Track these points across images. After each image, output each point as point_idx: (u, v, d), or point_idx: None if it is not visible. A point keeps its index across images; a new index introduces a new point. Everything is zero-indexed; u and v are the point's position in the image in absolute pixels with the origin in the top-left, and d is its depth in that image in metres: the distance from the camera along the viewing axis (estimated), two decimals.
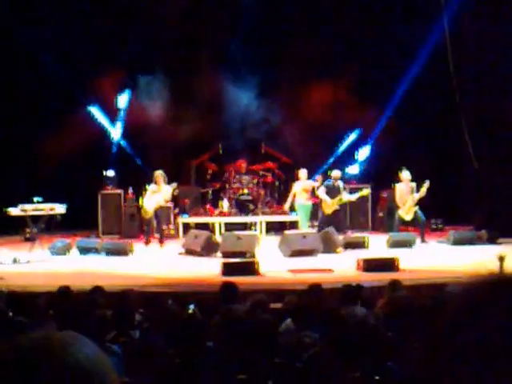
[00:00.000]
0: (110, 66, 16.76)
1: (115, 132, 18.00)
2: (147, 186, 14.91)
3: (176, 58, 17.46)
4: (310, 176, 15.55)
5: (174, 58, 17.49)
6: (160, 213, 14.98)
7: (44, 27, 16.85)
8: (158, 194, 14.69)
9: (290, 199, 15.22)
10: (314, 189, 15.21)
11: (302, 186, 15.04)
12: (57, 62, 17.00)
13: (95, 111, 17.74)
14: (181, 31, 17.27)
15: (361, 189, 15.73)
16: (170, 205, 16.47)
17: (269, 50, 17.54)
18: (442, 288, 7.60)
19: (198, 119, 17.21)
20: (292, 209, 15.68)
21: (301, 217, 15.16)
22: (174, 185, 15.03)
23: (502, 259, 9.01)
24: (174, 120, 17.39)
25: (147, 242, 14.86)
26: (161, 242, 14.90)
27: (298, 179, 15.25)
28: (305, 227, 15.02)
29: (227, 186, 17.21)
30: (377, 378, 4.16)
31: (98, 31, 17.07)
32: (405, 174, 14.54)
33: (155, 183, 14.73)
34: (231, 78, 17.40)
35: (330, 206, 14.87)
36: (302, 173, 15.17)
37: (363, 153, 17.66)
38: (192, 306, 6.24)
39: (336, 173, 15.17)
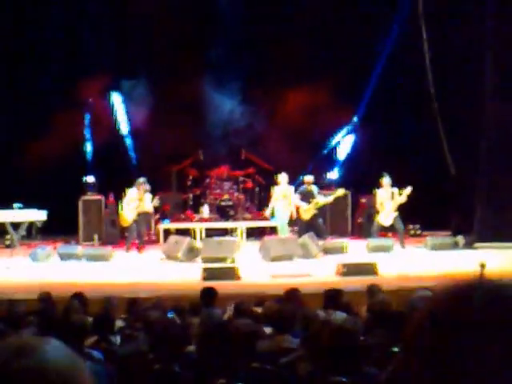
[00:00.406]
0: (94, 69, 16.70)
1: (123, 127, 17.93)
2: (127, 191, 14.83)
3: (158, 63, 17.46)
4: (292, 182, 15.57)
5: (156, 63, 17.49)
6: (140, 219, 14.90)
7: (28, 27, 16.78)
8: (138, 202, 14.61)
9: (270, 205, 15.20)
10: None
11: (282, 191, 14.97)
12: (38, 65, 16.93)
13: (78, 115, 17.55)
14: (164, 36, 17.26)
15: (336, 190, 15.65)
16: (151, 211, 16.45)
17: (250, 56, 17.59)
18: (418, 292, 7.66)
19: (180, 125, 17.21)
20: (273, 214, 15.67)
21: (280, 223, 15.12)
22: (156, 201, 14.98)
23: (482, 266, 9.10)
24: (156, 125, 17.39)
25: (128, 248, 14.80)
26: (140, 248, 14.85)
27: (277, 184, 15.25)
28: (285, 233, 15.01)
29: (208, 191, 17.22)
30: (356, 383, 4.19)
31: (81, 34, 17.02)
32: (385, 180, 14.62)
33: (137, 191, 14.66)
34: (213, 84, 17.43)
35: (306, 211, 14.92)
36: (282, 178, 15.05)
37: (343, 149, 17.67)
38: (171, 314, 6.25)
39: (308, 178, 15.24)
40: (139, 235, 14.89)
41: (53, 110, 16.81)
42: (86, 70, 16.84)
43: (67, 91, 16.85)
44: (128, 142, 18.19)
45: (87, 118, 17.77)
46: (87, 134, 17.97)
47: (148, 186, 14.84)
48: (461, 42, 14.55)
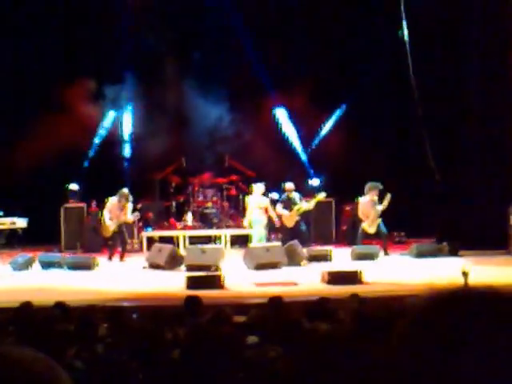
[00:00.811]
0: (77, 74, 16.61)
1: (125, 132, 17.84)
2: (108, 199, 14.75)
3: (142, 68, 17.41)
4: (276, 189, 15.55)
5: (140, 68, 17.42)
6: (123, 227, 14.80)
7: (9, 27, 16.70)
8: (119, 212, 14.53)
9: (247, 215, 15.08)
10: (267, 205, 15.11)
11: (256, 202, 14.74)
12: (21, 69, 16.82)
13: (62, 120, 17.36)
14: (148, 41, 17.25)
15: (316, 195, 15.57)
16: (131, 221, 16.38)
17: (233, 61, 17.61)
18: (403, 300, 7.67)
19: (162, 131, 17.18)
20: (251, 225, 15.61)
21: (257, 232, 14.89)
22: (137, 214, 14.95)
23: (465, 274, 9.12)
24: (138, 132, 17.35)
25: (111, 257, 14.72)
26: (122, 256, 14.76)
27: (251, 194, 15.08)
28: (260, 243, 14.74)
29: (191, 199, 17.20)
30: None
31: (65, 39, 16.94)
32: (367, 187, 14.67)
33: (118, 201, 14.59)
34: (196, 90, 17.38)
35: (289, 218, 14.92)
36: (256, 188, 14.89)
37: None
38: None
39: (289, 185, 15.22)
40: (122, 242, 14.83)
41: (34, 114, 16.67)
42: (70, 73, 16.72)
43: (49, 95, 16.72)
44: (123, 147, 18.05)
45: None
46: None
47: (131, 197, 14.79)
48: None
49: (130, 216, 14.69)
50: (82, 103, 17.16)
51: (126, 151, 18.05)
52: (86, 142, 17.50)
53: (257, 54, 17.09)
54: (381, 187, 14.68)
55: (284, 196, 15.16)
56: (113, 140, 17.79)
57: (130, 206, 14.75)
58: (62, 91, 16.65)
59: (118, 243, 14.85)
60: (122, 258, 14.72)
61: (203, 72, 17.32)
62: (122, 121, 17.95)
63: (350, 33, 17.19)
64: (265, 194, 15.03)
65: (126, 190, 14.72)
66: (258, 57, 17.07)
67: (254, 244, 14.65)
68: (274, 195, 17.06)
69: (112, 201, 14.65)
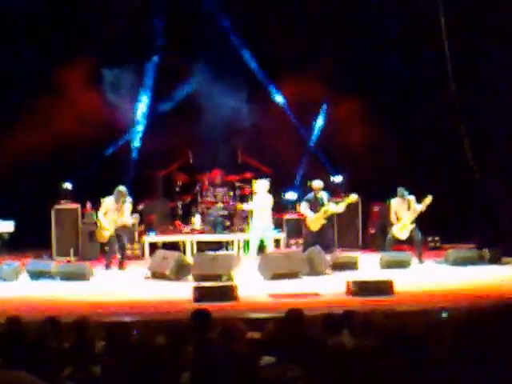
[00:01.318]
0: (74, 54, 16.60)
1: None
2: (103, 200, 14.78)
3: (146, 50, 17.42)
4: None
5: (143, 50, 17.42)
6: (120, 231, 14.86)
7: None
8: (116, 213, 14.58)
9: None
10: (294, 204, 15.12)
11: (261, 201, 14.67)
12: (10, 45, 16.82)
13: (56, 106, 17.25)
14: (152, 20, 17.30)
15: (347, 196, 15.51)
16: (129, 224, 16.43)
17: (245, 47, 17.63)
18: (440, 313, 7.69)
19: (166, 122, 17.22)
20: (275, 225, 15.63)
21: (253, 241, 14.81)
22: (137, 216, 14.90)
23: None
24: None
25: (109, 265, 14.77)
26: (121, 264, 14.82)
27: (254, 193, 15.09)
28: (253, 254, 14.66)
29: (199, 199, 17.23)
30: None
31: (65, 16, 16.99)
32: (400, 190, 14.68)
33: (115, 201, 14.64)
34: (206, 76, 17.37)
35: (314, 221, 14.91)
36: (260, 185, 14.87)
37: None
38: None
39: (317, 183, 15.16)
40: (121, 249, 14.87)
41: (24, 99, 16.56)
42: (66, 54, 16.70)
43: (43, 78, 16.68)
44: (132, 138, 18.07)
45: None
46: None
47: (129, 197, 14.82)
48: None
49: (128, 218, 14.70)
50: (78, 88, 17.06)
51: (135, 143, 17.96)
52: (83, 134, 17.23)
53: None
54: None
55: (311, 195, 15.10)
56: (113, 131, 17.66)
57: (128, 206, 14.78)
58: (58, 74, 16.61)
59: (115, 249, 14.86)
60: (121, 266, 14.78)
61: (215, 54, 17.31)
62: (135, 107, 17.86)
63: (376, 16, 17.15)
64: (270, 192, 14.95)
65: (123, 188, 14.71)
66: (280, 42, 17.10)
67: (252, 252, 14.59)
68: (291, 195, 17.09)
69: (108, 201, 14.68)
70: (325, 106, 18.01)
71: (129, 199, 14.85)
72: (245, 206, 15.55)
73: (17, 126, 16.22)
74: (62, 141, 16.34)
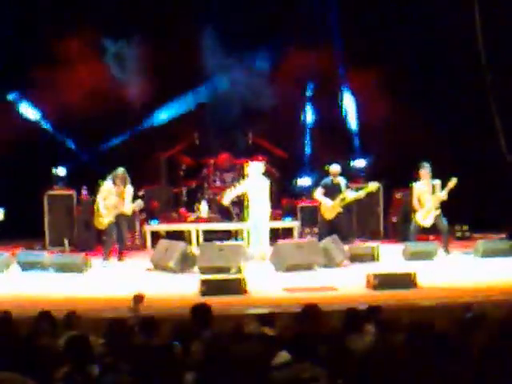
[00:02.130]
0: (74, 25, 16.55)
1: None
2: (101, 183, 14.70)
3: (151, 20, 17.35)
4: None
5: (148, 21, 17.35)
6: (121, 219, 14.77)
7: None
8: (117, 198, 14.49)
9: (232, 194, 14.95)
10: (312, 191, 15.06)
11: (255, 185, 14.59)
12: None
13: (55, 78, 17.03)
14: None
15: (367, 184, 15.54)
16: (130, 212, 16.41)
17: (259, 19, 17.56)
18: (469, 309, 7.67)
19: (170, 99, 17.20)
20: (288, 213, 15.57)
21: (253, 233, 14.59)
22: (138, 204, 14.79)
23: None
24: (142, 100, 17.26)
25: (107, 256, 14.72)
26: (121, 254, 14.78)
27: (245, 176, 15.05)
28: (259, 241, 14.46)
29: (206, 184, 17.21)
30: None
31: None
32: (425, 171, 14.57)
33: (114, 184, 14.53)
34: (215, 48, 17.23)
35: (330, 209, 14.89)
36: (254, 168, 14.80)
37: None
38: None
39: (334, 168, 15.12)
40: (120, 238, 14.80)
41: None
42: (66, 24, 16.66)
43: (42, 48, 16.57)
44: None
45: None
46: None
47: (129, 178, 14.65)
48: None
49: (129, 204, 14.60)
50: (80, 59, 16.91)
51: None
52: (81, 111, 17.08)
53: None
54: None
55: (327, 180, 15.06)
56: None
57: (130, 190, 14.62)
58: (53, 43, 16.55)
59: (114, 239, 14.76)
60: (120, 257, 14.76)
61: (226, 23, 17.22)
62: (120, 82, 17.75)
63: None
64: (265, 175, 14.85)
65: (122, 170, 14.53)
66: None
67: (254, 246, 14.38)
68: (306, 181, 17.05)
69: (107, 185, 14.59)
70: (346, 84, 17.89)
71: (129, 179, 14.57)
72: (227, 196, 15.16)
73: (9, 110, 16.27)
74: (58, 118, 16.37)
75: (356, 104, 17.75)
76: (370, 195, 15.88)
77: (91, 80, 16.46)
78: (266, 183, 14.62)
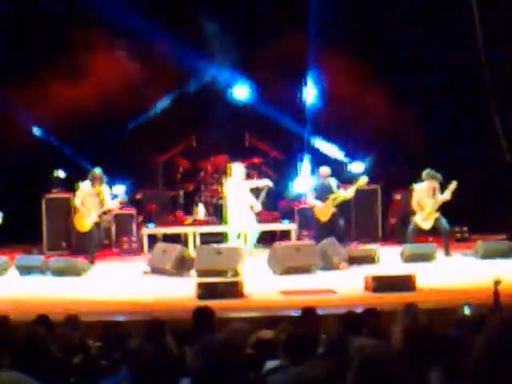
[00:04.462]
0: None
1: None
2: (79, 184, 14.71)
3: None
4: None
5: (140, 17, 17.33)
6: (102, 220, 14.89)
7: None
8: (97, 198, 14.54)
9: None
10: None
11: (235, 186, 14.67)
12: None
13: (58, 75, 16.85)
14: None
15: (356, 180, 15.41)
16: (132, 211, 16.45)
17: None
18: (469, 310, 7.67)
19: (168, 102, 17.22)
20: (285, 215, 15.58)
21: (231, 237, 14.78)
22: (121, 198, 14.85)
23: (497, 283, 9.13)
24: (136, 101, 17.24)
25: (93, 260, 14.58)
26: (92, 259, 14.55)
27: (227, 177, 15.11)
28: (242, 242, 14.61)
29: (203, 187, 17.22)
30: None
31: None
32: (425, 173, 14.60)
33: (92, 185, 14.56)
34: (212, 50, 17.24)
35: (323, 210, 14.89)
36: (235, 169, 14.87)
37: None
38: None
39: (324, 169, 15.16)
40: (96, 243, 14.79)
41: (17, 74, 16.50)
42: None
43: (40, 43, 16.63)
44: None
45: None
46: None
47: (105, 178, 14.65)
48: None
49: (110, 201, 14.67)
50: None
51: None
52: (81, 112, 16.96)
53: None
54: (440, 179, 14.58)
55: (317, 183, 15.12)
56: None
57: (106, 188, 14.69)
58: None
59: (97, 241, 14.73)
60: (92, 259, 14.58)
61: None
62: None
63: None
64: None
65: (97, 169, 14.61)
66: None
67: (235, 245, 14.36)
68: (300, 186, 17.04)
69: (84, 186, 14.61)
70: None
71: (105, 179, 14.62)
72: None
73: (7, 103, 16.26)
74: (56, 121, 16.40)
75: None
76: (368, 197, 15.89)
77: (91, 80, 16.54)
78: (245, 185, 14.71)
